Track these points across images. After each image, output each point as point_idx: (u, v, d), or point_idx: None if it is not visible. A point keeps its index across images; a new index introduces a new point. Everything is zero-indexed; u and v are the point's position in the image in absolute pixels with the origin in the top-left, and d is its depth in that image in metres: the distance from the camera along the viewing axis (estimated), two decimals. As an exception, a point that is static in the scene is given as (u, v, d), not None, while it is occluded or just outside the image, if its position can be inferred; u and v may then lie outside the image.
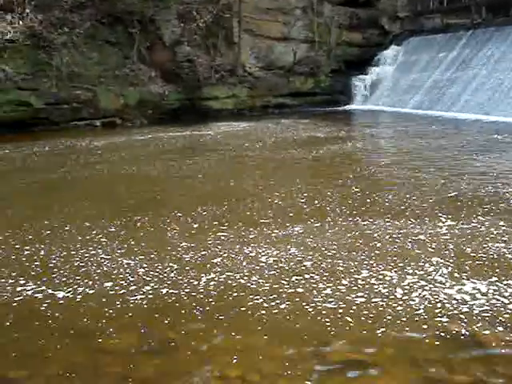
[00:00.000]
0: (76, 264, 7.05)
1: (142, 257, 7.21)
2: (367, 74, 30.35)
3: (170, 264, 6.93)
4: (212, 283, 6.27)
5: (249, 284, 6.21)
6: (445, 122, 20.92)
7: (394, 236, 7.66)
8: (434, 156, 13.96)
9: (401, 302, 5.63)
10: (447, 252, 6.95)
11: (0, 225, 9.06)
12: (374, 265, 6.66)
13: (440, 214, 8.59)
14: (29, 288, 6.32)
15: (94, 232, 8.37)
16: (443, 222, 8.18)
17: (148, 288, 6.23)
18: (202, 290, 6.10)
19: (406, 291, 5.87)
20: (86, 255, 7.36)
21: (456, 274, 6.26)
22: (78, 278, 6.59)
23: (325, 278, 6.29)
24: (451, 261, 6.67)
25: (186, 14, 26.38)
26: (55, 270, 6.89)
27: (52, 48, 23.75)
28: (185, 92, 26.32)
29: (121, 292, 6.16)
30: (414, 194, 9.93)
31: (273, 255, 7.08)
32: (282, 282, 6.24)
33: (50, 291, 6.22)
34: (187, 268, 6.76)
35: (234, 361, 4.76)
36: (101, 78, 24.69)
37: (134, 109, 25.27)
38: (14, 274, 6.79)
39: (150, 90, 25.51)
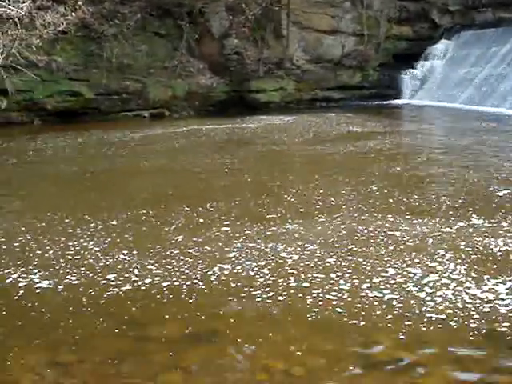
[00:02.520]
0: (117, 256, 7.19)
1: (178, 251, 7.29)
2: (416, 68, 29.92)
3: (207, 257, 7.00)
4: (247, 276, 6.32)
5: (281, 280, 6.22)
6: (495, 119, 20.41)
7: (418, 235, 7.56)
8: (480, 154, 13.64)
9: (441, 301, 5.59)
10: (482, 251, 6.85)
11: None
12: (402, 262, 6.60)
13: (472, 214, 8.39)
14: (72, 277, 6.45)
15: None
16: (474, 221, 8.02)
17: (190, 279, 6.30)
18: (243, 283, 6.15)
19: (441, 290, 5.82)
20: (130, 245, 7.49)
21: (495, 274, 6.16)
22: (120, 269, 6.72)
23: (353, 276, 6.26)
24: (487, 261, 6.56)
25: (234, 7, 26.43)
26: (98, 260, 7.04)
27: (103, 39, 24.13)
28: (232, 84, 26.41)
29: (163, 283, 6.24)
30: (446, 193, 9.73)
31: (295, 251, 7.07)
32: (311, 278, 6.23)
33: (93, 280, 6.36)
34: (224, 261, 6.83)
35: (278, 353, 4.78)
36: (150, 70, 24.97)
37: (182, 100, 25.49)
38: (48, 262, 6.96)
39: (198, 81, 25.68)
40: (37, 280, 6.39)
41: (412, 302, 5.58)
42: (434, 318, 5.25)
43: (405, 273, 6.30)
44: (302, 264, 6.64)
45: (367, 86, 29.91)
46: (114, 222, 8.54)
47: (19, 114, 22.69)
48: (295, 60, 27.95)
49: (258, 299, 5.75)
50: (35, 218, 8.96)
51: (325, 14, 28.74)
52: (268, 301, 5.71)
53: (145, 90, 24.58)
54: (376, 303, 5.57)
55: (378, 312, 5.41)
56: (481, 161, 12.75)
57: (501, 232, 7.54)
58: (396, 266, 6.51)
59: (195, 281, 6.25)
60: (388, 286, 5.96)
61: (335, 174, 11.98)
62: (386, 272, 6.32)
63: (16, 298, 5.97)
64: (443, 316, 5.28)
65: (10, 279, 6.42)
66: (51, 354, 4.85)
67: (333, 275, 6.27)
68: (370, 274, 6.28)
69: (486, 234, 7.45)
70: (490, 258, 6.63)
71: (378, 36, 29.83)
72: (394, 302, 5.58)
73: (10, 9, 20.69)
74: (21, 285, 6.26)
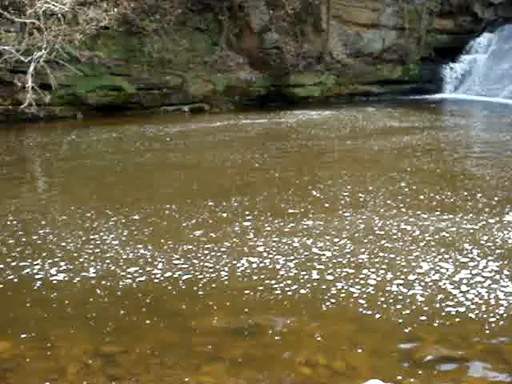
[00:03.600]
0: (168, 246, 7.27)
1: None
2: (458, 62, 29.55)
3: (234, 251, 7.05)
4: (283, 272, 6.35)
5: (316, 275, 6.25)
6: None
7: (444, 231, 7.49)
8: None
9: (476, 298, 5.56)
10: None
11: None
12: (435, 259, 6.56)
13: (509, 211, 8.30)
14: (115, 268, 6.58)
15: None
16: (509, 218, 7.93)
17: (233, 272, 6.37)
18: (283, 276, 6.18)
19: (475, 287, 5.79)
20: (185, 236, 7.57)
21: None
22: (160, 259, 6.81)
23: (388, 271, 6.25)
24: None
25: (274, 1, 26.37)
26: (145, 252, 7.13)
27: (144, 34, 24.32)
28: (272, 79, 26.39)
29: (206, 275, 6.31)
30: (480, 190, 9.61)
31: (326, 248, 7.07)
32: (347, 274, 6.24)
33: (136, 272, 6.46)
34: (263, 256, 6.87)
35: (320, 348, 4.79)
36: (190, 65, 25.10)
37: (222, 95, 25.55)
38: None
39: (237, 76, 25.72)
40: (72, 272, 6.52)
41: (449, 298, 5.57)
42: (471, 315, 5.24)
43: (437, 268, 6.29)
44: (333, 260, 6.67)
45: (407, 80, 29.60)
46: (137, 217, 8.62)
47: (62, 109, 23.01)
48: (335, 54, 27.81)
49: (296, 294, 5.79)
50: (59, 211, 9.17)
51: (365, 8, 28.51)
52: (308, 296, 5.74)
53: (185, 84, 24.72)
54: (415, 299, 5.57)
55: (417, 308, 5.39)
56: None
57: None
58: (428, 261, 6.50)
59: (227, 274, 6.32)
60: (423, 282, 5.95)
61: (366, 169, 11.91)
62: (420, 268, 6.32)
63: (57, 289, 6.08)
64: (478, 312, 5.28)
65: (44, 271, 6.55)
66: (96, 344, 4.94)
67: (366, 271, 6.29)
68: (403, 269, 6.29)
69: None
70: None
71: (419, 30, 29.51)
72: (432, 298, 5.57)
73: (53, 5, 21.02)
74: (59, 278, 6.36)
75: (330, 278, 6.13)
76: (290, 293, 5.81)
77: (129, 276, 6.33)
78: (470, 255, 6.66)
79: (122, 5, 23.14)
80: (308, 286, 5.96)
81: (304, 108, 24.55)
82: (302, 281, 6.08)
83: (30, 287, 6.14)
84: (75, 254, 7.05)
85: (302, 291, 5.83)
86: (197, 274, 6.34)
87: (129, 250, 7.16)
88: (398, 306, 5.44)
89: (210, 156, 13.82)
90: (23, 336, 5.09)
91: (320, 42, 27.48)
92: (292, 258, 6.75)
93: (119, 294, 5.93)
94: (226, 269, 6.47)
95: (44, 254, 7.08)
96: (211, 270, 6.43)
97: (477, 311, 5.31)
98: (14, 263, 6.82)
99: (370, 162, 12.90)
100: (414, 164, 12.14)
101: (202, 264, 6.62)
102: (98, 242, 7.48)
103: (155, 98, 24.32)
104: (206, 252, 7.01)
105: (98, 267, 6.61)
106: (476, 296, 5.61)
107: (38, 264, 6.76)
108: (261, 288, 5.94)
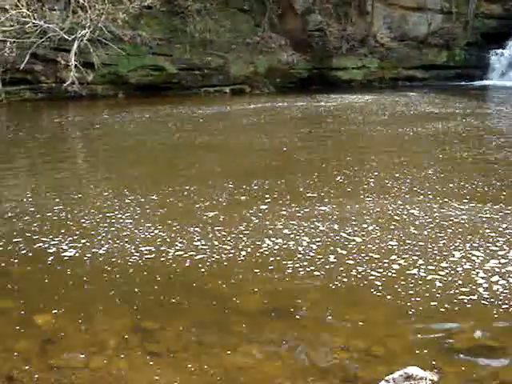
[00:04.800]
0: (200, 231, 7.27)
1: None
2: (506, 48, 28.85)
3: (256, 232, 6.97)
4: (318, 257, 6.28)
5: (348, 260, 6.17)
6: None
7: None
8: None
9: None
10: None
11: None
12: (466, 247, 6.41)
13: None
14: (151, 249, 6.58)
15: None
16: None
17: (273, 256, 6.33)
18: (316, 263, 6.12)
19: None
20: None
21: None
22: (202, 241, 6.81)
23: (421, 259, 6.12)
24: None
25: (319, -18, 26.14)
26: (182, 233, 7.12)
27: (186, 15, 24.33)
28: (314, 61, 26.17)
29: (246, 256, 6.30)
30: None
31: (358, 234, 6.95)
32: (380, 260, 6.15)
33: (172, 251, 6.47)
34: (298, 242, 6.79)
35: (357, 333, 4.75)
36: (232, 46, 25.03)
37: (263, 76, 25.43)
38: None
39: (279, 58, 25.56)
40: (110, 250, 6.58)
41: (484, 287, 5.45)
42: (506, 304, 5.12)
43: (468, 256, 6.17)
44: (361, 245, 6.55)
45: (453, 65, 29.00)
46: (155, 197, 8.66)
47: (104, 88, 23.20)
48: (379, 37, 27.41)
49: (332, 278, 5.72)
50: (75, 190, 9.24)
51: (411, -10, 28.06)
52: (344, 280, 5.67)
53: (226, 65, 24.67)
54: (451, 288, 5.46)
55: (453, 297, 5.29)
56: None
57: None
58: (459, 249, 6.37)
59: (262, 256, 6.28)
60: (455, 270, 5.83)
61: (395, 156, 11.71)
62: (453, 256, 6.19)
63: (97, 266, 6.15)
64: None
65: (81, 249, 6.60)
66: (135, 319, 5.00)
67: (398, 259, 6.17)
68: (438, 257, 6.17)
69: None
70: None
71: (466, 14, 28.86)
72: (468, 287, 5.46)
73: (98, -16, 21.13)
74: (94, 254, 6.43)
75: (362, 263, 6.05)
76: (322, 276, 5.76)
77: (162, 255, 6.35)
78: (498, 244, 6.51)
79: (165, -16, 23.14)
80: (341, 269, 5.89)
81: (345, 91, 24.25)
82: (332, 265, 6.01)
83: (71, 263, 6.23)
84: (98, 233, 7.12)
85: (337, 276, 5.77)
86: (238, 255, 6.35)
87: (142, 229, 7.20)
88: (436, 294, 5.34)
89: (239, 138, 13.79)
90: (63, 310, 5.16)
91: (364, 25, 27.12)
92: (318, 240, 6.68)
93: (154, 272, 5.95)
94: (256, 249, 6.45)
95: (71, 232, 7.16)
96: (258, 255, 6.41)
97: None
98: (54, 240, 6.90)
99: (402, 149, 12.68)
100: (447, 151, 11.94)
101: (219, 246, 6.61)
102: (123, 222, 7.52)
103: (196, 79, 24.34)
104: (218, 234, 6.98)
105: (133, 246, 6.65)
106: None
107: (74, 242, 6.84)
108: (300, 273, 5.90)
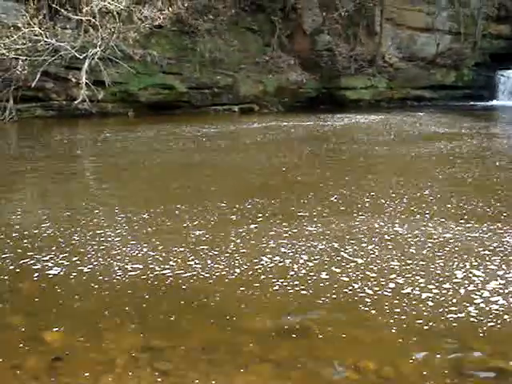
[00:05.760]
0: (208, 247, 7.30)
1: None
2: (514, 69, 29.00)
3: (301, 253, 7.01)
4: (323, 274, 6.27)
5: (359, 280, 6.14)
6: None
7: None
8: None
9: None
10: None
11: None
12: (466, 266, 6.39)
13: None
14: (159, 267, 6.58)
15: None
16: None
17: (282, 274, 6.31)
18: (325, 283, 6.13)
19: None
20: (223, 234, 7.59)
21: None
22: (203, 258, 6.83)
23: (424, 279, 6.08)
24: None
25: (327, 3, 26.41)
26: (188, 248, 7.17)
27: (196, 34, 24.62)
28: (322, 81, 26.38)
29: (255, 274, 6.29)
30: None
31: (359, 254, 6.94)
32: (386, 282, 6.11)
33: (180, 271, 6.46)
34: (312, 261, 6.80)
35: (369, 354, 4.72)
36: (241, 65, 25.29)
37: (272, 96, 25.66)
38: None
39: (288, 77, 25.78)
40: (155, 268, 6.58)
41: (490, 308, 5.43)
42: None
43: (470, 276, 6.13)
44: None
45: (461, 85, 29.22)
46: (146, 216, 8.60)
47: (114, 106, 23.46)
48: (387, 58, 27.63)
49: (342, 298, 5.71)
50: (65, 207, 9.27)
51: (419, 11, 28.27)
52: (354, 299, 5.67)
53: (236, 84, 24.90)
54: (464, 309, 5.44)
55: (466, 318, 5.26)
56: None
57: None
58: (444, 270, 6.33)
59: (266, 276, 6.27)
60: (456, 292, 5.79)
61: (395, 175, 11.70)
62: (455, 276, 6.14)
63: (103, 283, 6.14)
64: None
65: (90, 265, 6.63)
66: (144, 338, 4.97)
67: (394, 277, 6.13)
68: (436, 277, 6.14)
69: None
70: None
71: (474, 34, 29.05)
72: (478, 309, 5.42)
73: (109, 3, 21.44)
74: (103, 272, 6.42)
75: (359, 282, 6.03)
76: (334, 298, 5.74)
77: (168, 273, 6.37)
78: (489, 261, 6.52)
79: (176, 4, 23.42)
80: (343, 291, 5.86)
81: (354, 111, 24.37)
82: (340, 287, 5.99)
83: (78, 279, 6.23)
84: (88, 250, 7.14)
85: (343, 296, 5.75)
86: (248, 274, 6.34)
87: (131, 247, 7.17)
88: (446, 314, 5.31)
89: (239, 158, 13.75)
90: (73, 327, 5.16)
91: (372, 45, 27.34)
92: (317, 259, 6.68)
93: (162, 289, 5.95)
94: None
95: (74, 249, 7.18)
96: (267, 272, 6.39)
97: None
98: (62, 255, 6.93)
99: (402, 169, 12.70)
100: (447, 172, 11.90)
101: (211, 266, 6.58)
102: (119, 240, 7.55)
103: (206, 98, 24.59)
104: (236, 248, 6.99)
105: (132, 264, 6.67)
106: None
107: (80, 257, 6.87)
108: (310, 291, 5.89)
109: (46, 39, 21.07)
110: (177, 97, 24.25)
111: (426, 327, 5.11)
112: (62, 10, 21.66)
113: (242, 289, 5.94)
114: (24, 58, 20.94)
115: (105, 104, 22.95)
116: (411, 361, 4.60)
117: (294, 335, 5.04)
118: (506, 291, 5.78)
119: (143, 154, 14.71)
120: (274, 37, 26.08)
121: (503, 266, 6.42)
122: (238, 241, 7.39)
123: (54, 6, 21.87)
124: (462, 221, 8.17)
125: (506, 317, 5.26)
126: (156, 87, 23.92)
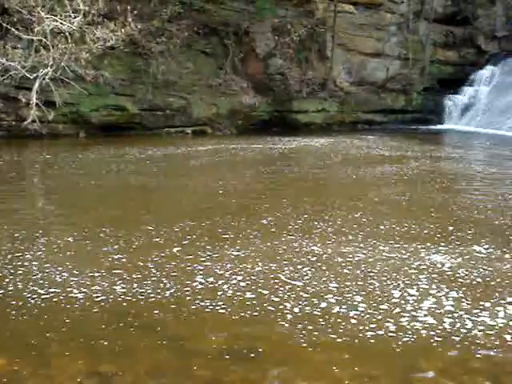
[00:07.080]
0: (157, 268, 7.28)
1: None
2: (461, 94, 29.78)
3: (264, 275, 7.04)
4: (287, 295, 6.34)
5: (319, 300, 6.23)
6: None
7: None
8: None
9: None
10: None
11: None
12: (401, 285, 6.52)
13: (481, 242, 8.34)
14: (117, 288, 6.55)
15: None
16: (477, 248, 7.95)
17: (234, 295, 6.35)
18: (285, 304, 6.18)
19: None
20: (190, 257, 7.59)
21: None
22: (154, 280, 6.80)
23: (391, 301, 6.22)
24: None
25: (280, 27, 26.74)
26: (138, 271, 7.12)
27: (149, 56, 24.61)
28: (275, 104, 26.61)
29: (204, 296, 6.27)
30: (442, 222, 9.53)
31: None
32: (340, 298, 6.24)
33: (133, 291, 6.44)
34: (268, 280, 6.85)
35: (320, 376, 4.77)
36: (194, 87, 25.35)
37: (225, 118, 25.76)
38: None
39: (241, 100, 25.95)
40: (73, 291, 6.48)
41: (457, 327, 5.56)
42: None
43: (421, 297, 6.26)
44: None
45: (411, 110, 29.88)
46: (70, 239, 8.40)
47: (65, 127, 23.21)
48: (339, 82, 28.09)
49: (299, 321, 5.76)
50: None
51: (370, 37, 28.86)
52: (312, 321, 5.70)
53: (188, 106, 24.94)
54: (418, 328, 5.56)
55: (420, 337, 5.38)
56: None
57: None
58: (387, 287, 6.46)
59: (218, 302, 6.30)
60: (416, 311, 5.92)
61: (330, 198, 11.95)
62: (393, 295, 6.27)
63: (53, 307, 6.06)
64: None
65: (35, 288, 6.53)
66: (92, 363, 4.90)
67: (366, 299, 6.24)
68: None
69: (486, 261, 7.49)
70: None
71: (423, 60, 29.78)
72: (434, 327, 5.54)
73: (61, 23, 21.34)
74: (58, 296, 6.33)
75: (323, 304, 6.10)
76: (289, 320, 5.78)
77: (119, 296, 6.32)
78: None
79: (129, 26, 23.40)
80: (305, 309, 5.92)
81: (305, 134, 24.66)
82: (302, 305, 6.04)
83: (26, 303, 6.12)
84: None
85: (304, 319, 5.79)
86: (196, 295, 6.30)
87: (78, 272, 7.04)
88: (401, 334, 5.39)
89: (177, 181, 13.62)
90: (19, 353, 5.07)
91: (324, 70, 27.76)
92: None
93: (112, 313, 5.90)
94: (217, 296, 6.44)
95: (23, 272, 7.04)
96: (221, 293, 6.37)
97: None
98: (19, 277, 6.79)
99: (338, 191, 12.92)
100: (383, 194, 12.05)
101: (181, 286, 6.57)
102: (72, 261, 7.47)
103: (158, 120, 24.54)
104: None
105: (87, 286, 6.58)
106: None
107: (28, 280, 6.74)
108: (262, 312, 5.93)
109: (-5, 59, 20.87)
110: (129, 118, 24.12)
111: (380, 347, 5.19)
112: (13, 29, 21.48)
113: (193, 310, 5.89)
114: (-28, 77, 20.71)
115: (55, 125, 22.63)
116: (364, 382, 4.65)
117: (245, 358, 5.02)
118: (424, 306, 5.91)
119: (80, 176, 14.19)
120: (227, 60, 26.29)
121: (433, 285, 6.58)
122: (157, 264, 7.32)
123: (4, 24, 21.66)
124: (391, 242, 8.35)
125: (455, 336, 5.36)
126: (108, 108, 23.74)
